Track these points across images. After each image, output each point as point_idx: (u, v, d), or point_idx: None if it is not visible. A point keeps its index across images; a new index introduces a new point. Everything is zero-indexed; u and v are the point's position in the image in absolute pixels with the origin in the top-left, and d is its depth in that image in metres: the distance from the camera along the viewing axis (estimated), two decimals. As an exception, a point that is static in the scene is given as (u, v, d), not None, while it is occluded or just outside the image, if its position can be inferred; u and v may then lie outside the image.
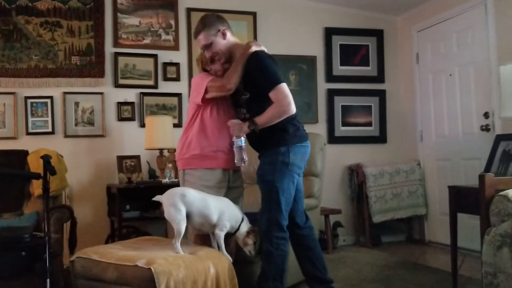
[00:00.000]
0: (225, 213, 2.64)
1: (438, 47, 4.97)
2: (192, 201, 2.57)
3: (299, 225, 2.86)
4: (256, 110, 2.69)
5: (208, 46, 2.77)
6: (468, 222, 4.00)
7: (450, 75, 4.80)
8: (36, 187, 3.61)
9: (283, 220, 2.70)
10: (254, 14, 4.98)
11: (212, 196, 2.68)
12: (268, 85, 2.64)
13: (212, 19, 2.78)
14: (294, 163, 2.73)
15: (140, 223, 4.38)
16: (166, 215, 2.57)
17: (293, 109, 2.68)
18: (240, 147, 2.66)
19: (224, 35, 2.77)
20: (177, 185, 3.10)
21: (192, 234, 2.84)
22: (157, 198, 2.65)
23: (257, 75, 2.67)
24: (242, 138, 2.67)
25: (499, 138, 3.65)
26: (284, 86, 2.66)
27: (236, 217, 2.70)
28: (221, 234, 2.65)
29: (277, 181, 2.67)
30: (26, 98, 4.32)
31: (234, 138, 2.68)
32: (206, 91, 2.74)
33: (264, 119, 2.66)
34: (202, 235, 2.79)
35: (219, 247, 2.67)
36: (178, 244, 2.50)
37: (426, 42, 5.13)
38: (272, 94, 2.64)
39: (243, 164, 2.69)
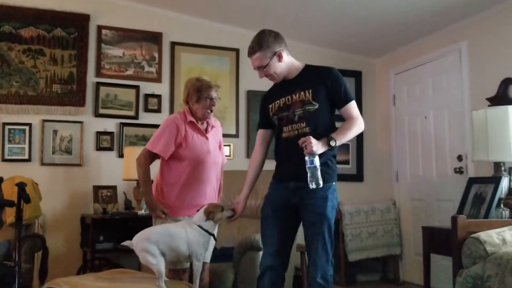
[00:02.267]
0: (192, 239, 2.60)
1: (414, 90, 5.12)
2: (158, 239, 2.56)
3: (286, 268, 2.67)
4: (319, 124, 2.50)
5: (261, 68, 2.56)
6: (442, 263, 4.04)
7: (425, 117, 4.93)
8: (8, 214, 3.54)
9: None
10: (237, 51, 5.07)
11: (172, 224, 2.70)
12: (344, 99, 2.54)
13: (269, 39, 2.54)
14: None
15: (113, 255, 4.27)
16: (142, 261, 2.56)
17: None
18: (315, 167, 2.37)
19: (280, 57, 2.54)
20: (151, 217, 3.08)
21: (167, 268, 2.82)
22: (126, 243, 2.62)
23: (336, 88, 2.53)
24: (317, 157, 2.37)
25: (472, 181, 3.74)
26: (355, 103, 2.58)
27: (200, 239, 2.62)
28: (199, 266, 2.62)
29: (332, 219, 2.51)
30: (4, 124, 4.27)
31: (307, 157, 2.37)
32: None
33: (343, 134, 2.47)
34: (175, 269, 2.76)
35: (194, 280, 2.63)
36: (163, 285, 2.47)
37: (402, 84, 5.29)
38: (346, 109, 2.54)
39: (315, 186, 2.38)
